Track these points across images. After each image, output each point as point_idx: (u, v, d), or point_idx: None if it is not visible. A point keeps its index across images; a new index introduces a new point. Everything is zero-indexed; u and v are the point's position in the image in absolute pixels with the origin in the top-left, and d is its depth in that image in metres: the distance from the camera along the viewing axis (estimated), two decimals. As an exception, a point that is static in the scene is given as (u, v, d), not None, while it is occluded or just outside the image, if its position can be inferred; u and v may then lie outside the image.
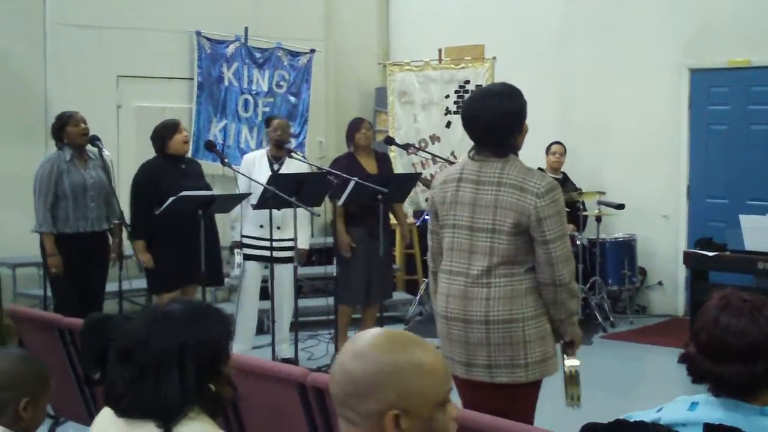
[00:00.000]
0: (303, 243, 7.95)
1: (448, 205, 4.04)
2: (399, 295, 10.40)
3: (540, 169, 10.09)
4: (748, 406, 2.41)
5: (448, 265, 4.05)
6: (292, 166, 7.93)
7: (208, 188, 7.63)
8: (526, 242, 3.89)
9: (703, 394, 2.50)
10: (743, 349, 2.40)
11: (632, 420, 2.46)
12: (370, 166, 8.17)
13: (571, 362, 4.12)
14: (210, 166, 9.54)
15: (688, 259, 8.50)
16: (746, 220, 7.99)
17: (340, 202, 7.59)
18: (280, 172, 7.79)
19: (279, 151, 7.96)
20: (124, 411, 2.52)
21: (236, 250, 7.91)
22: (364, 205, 7.76)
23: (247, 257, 7.94)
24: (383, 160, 8.40)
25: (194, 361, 2.47)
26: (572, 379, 4.12)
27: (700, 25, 10.06)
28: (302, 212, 7.66)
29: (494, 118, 3.93)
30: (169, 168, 7.37)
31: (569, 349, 4.12)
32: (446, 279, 4.06)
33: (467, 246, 3.97)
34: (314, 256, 9.29)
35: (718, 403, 2.44)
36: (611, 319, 9.67)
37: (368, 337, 2.07)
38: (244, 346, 7.88)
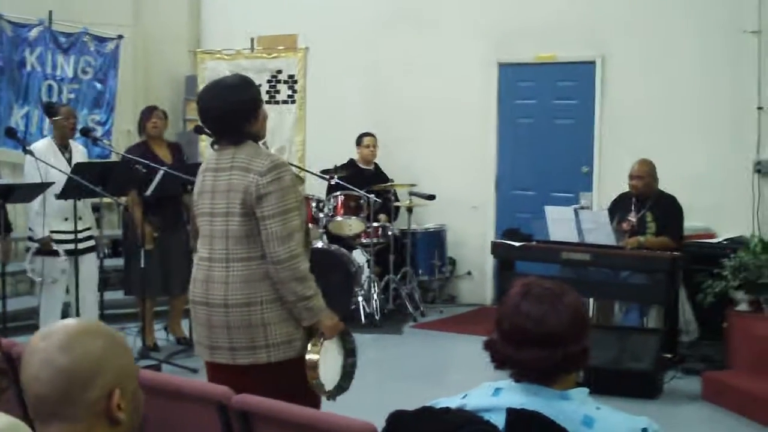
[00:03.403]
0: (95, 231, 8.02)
1: (197, 194, 4.18)
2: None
3: (351, 160, 10.18)
4: (548, 391, 2.46)
5: (199, 252, 4.16)
6: (77, 155, 7.80)
7: None
8: (256, 224, 3.96)
9: (506, 380, 2.53)
10: (543, 335, 2.44)
11: (438, 407, 2.47)
12: (163, 155, 8.10)
13: (311, 352, 4.01)
14: (13, 155, 9.18)
15: (496, 249, 8.66)
16: (551, 212, 8.20)
17: (147, 192, 7.46)
18: (73, 160, 7.63)
19: (65, 140, 7.78)
20: None
21: (54, 245, 7.63)
22: (165, 195, 7.66)
23: (53, 253, 7.67)
24: (176, 150, 8.34)
25: None
26: (310, 370, 4.01)
27: (509, 20, 10.30)
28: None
29: (226, 109, 4.03)
30: None
31: (320, 336, 4.05)
32: (195, 264, 4.17)
33: (209, 231, 4.08)
34: (120, 247, 9.09)
35: (520, 388, 2.48)
36: (421, 308, 9.80)
37: (64, 328, 2.08)
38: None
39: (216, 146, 4.15)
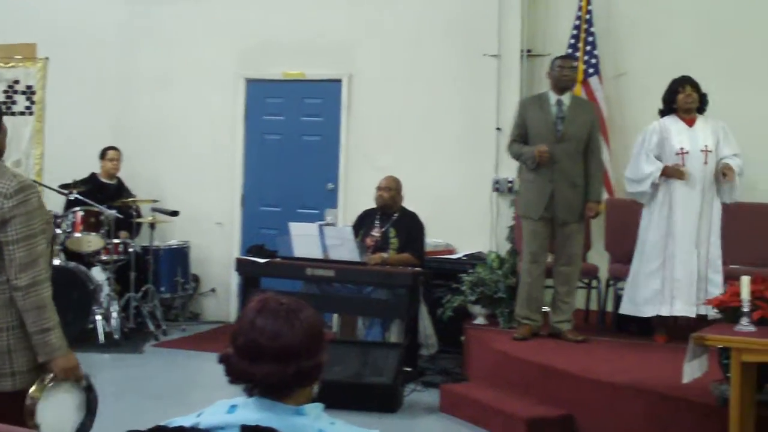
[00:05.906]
0: None
1: None
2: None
3: (93, 174, 9.88)
4: (282, 406, 2.45)
5: None
6: None
7: None
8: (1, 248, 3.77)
9: (242, 397, 2.50)
10: (277, 350, 2.43)
11: (172, 426, 2.42)
12: None
13: (32, 395, 3.73)
14: None
15: (240, 266, 8.64)
16: (295, 228, 8.24)
17: None
18: None
19: None
20: None
21: None
22: None
23: None
24: None
25: None
26: (27, 415, 3.71)
27: (257, 37, 10.30)
28: None
29: None
30: None
31: (49, 378, 3.80)
32: None
33: None
34: None
35: (256, 404, 2.46)
36: (163, 327, 9.58)
37: None
38: None
39: None
